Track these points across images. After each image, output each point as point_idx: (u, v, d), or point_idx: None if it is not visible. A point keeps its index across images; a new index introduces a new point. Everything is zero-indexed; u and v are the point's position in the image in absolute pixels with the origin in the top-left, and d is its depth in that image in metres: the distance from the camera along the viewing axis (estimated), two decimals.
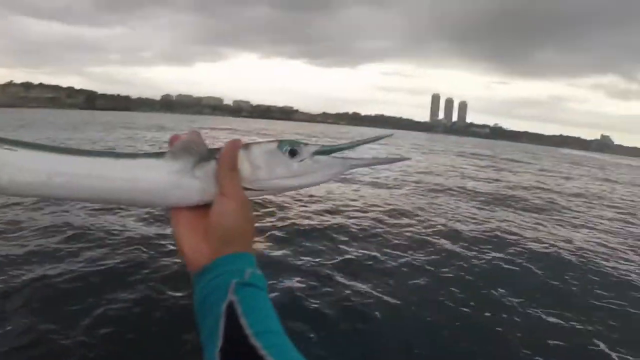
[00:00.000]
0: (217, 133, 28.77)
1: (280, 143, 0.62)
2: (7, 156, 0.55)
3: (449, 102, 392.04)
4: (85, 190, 0.58)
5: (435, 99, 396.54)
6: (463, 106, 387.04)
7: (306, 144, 0.63)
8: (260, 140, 0.64)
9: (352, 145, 0.65)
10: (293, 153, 0.61)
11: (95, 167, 0.58)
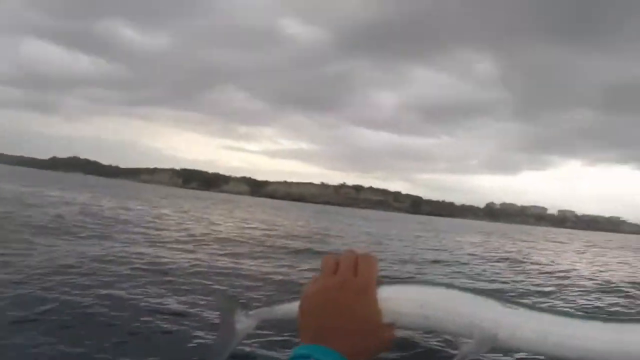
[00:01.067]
0: (546, 245, 28.36)
1: None
2: (507, 314, 0.64)
3: None
4: (572, 351, 0.61)
5: None
6: None
7: None
8: None
9: None
10: None
11: (584, 329, 0.61)
